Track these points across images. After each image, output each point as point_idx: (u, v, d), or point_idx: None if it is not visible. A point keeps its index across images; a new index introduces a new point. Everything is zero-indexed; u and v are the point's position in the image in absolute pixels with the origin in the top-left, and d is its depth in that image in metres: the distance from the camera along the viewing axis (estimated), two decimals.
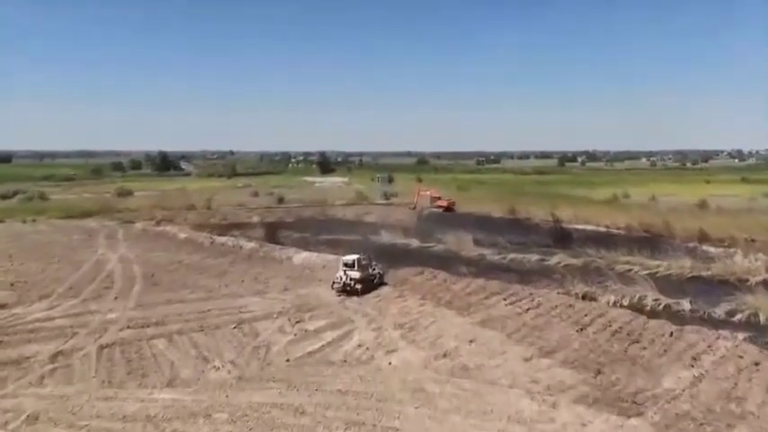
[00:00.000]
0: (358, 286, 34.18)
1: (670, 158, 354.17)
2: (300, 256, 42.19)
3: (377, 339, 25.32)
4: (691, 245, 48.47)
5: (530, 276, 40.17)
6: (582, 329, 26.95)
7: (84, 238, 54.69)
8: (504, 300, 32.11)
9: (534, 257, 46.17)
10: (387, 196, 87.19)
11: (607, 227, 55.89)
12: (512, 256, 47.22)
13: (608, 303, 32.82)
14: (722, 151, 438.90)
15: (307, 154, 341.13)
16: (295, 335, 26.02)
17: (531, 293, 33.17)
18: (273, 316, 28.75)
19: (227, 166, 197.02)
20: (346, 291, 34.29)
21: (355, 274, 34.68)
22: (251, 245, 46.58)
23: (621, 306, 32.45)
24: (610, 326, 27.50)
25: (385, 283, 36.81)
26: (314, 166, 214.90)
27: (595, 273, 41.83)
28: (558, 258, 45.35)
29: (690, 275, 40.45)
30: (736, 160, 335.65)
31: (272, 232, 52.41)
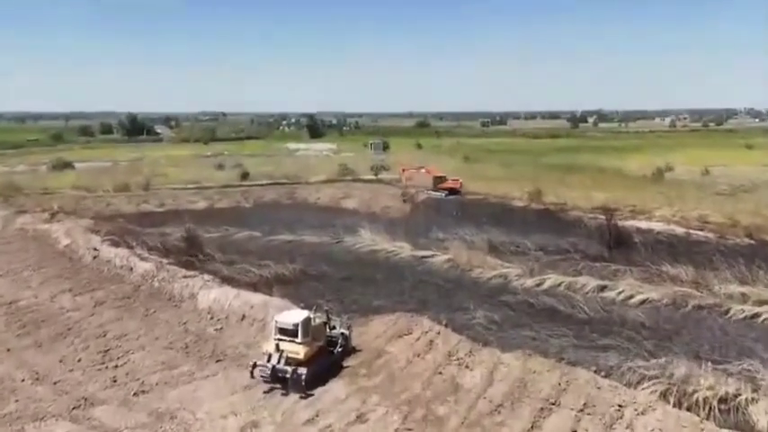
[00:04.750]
0: (302, 373, 17.85)
1: (686, 118, 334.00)
2: (210, 295, 25.45)
3: None
4: None
5: (591, 331, 23.71)
6: None
7: None
8: None
9: (590, 284, 29.38)
10: (375, 171, 69.80)
11: (686, 227, 38.75)
12: (551, 278, 30.49)
13: None
14: (736, 110, 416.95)
15: (304, 115, 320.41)
16: None
17: (620, 406, 16.63)
18: None
19: (207, 130, 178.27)
20: (279, 380, 18.08)
21: (299, 348, 18.35)
22: (146, 266, 29.66)
23: None
24: None
25: (355, 350, 20.82)
26: (305, 129, 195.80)
27: (697, 320, 25.34)
28: (628, 288, 28.51)
29: None
30: (757, 120, 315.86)
31: (194, 237, 35.30)
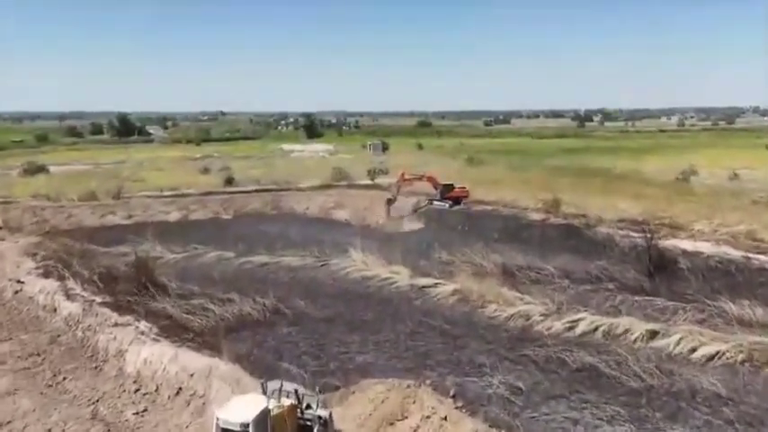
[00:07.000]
0: None
1: (693, 116, 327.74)
2: (141, 354, 19.26)
3: None
4: None
5: (651, 407, 17.42)
6: None
7: None
8: None
9: (635, 329, 22.97)
10: (372, 175, 63.58)
11: (741, 248, 32.24)
12: (585, 320, 24.16)
13: None
14: (743, 108, 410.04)
15: (303, 115, 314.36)
16: None
17: None
18: None
19: (201, 130, 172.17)
20: None
21: None
22: (71, 308, 23.50)
23: None
24: None
25: None
26: (302, 129, 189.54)
27: None
28: (687, 336, 22.15)
29: None
30: (765, 118, 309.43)
31: (144, 264, 28.92)
